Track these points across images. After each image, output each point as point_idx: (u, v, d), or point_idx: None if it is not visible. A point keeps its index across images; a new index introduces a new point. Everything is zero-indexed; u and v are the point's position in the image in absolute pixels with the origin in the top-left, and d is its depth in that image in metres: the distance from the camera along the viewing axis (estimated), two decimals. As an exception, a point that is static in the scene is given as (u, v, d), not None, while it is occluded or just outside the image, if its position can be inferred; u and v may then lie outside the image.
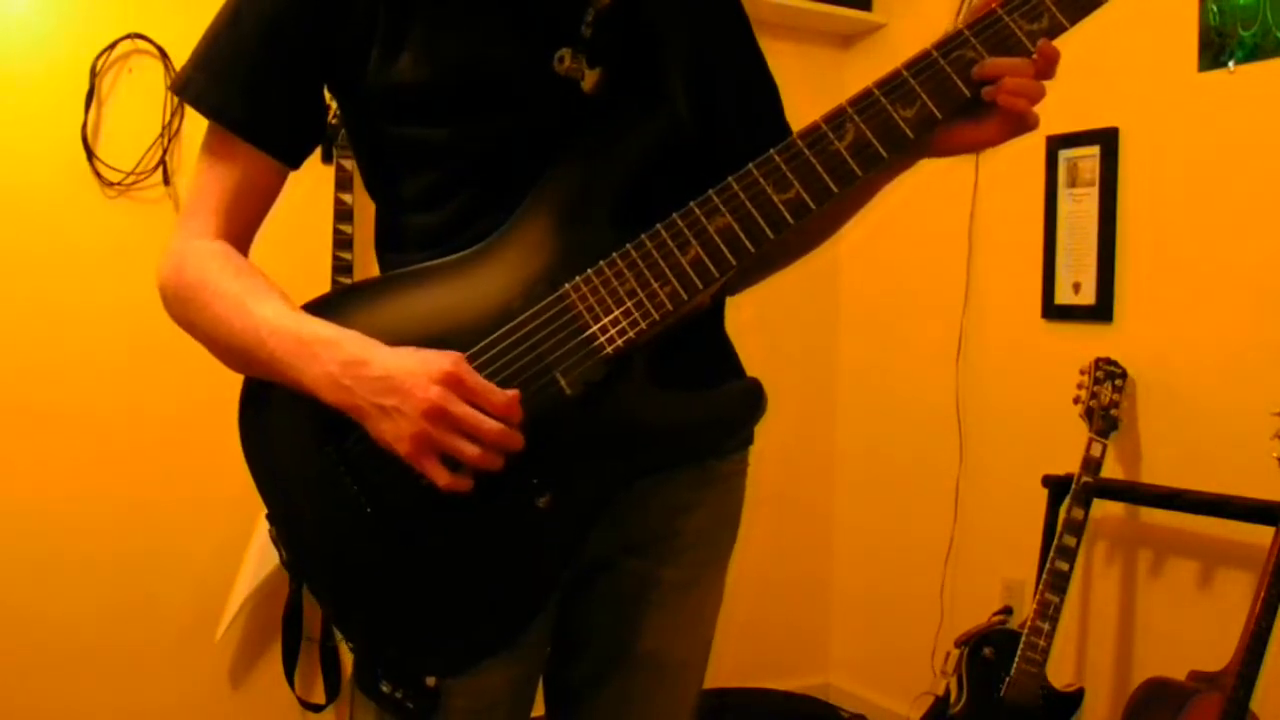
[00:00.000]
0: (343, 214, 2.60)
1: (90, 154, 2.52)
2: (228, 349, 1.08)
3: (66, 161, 2.51)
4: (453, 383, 0.98)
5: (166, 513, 2.61)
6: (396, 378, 0.99)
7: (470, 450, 0.98)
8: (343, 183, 2.61)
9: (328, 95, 1.17)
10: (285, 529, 1.12)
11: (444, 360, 0.99)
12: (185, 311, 1.10)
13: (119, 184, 2.54)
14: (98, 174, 2.53)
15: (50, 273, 2.50)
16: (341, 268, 2.60)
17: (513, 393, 1.00)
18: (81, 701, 2.55)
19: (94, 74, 2.51)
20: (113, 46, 2.52)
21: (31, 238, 2.49)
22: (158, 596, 2.62)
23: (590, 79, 1.12)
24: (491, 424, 0.98)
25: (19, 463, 2.49)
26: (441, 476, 0.99)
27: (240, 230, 1.14)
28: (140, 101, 2.51)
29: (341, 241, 2.60)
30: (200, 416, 2.48)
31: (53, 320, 2.51)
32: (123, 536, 2.58)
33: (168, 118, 2.52)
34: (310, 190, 2.64)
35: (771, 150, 1.04)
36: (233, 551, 2.53)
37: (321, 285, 2.39)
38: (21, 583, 2.50)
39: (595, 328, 1.04)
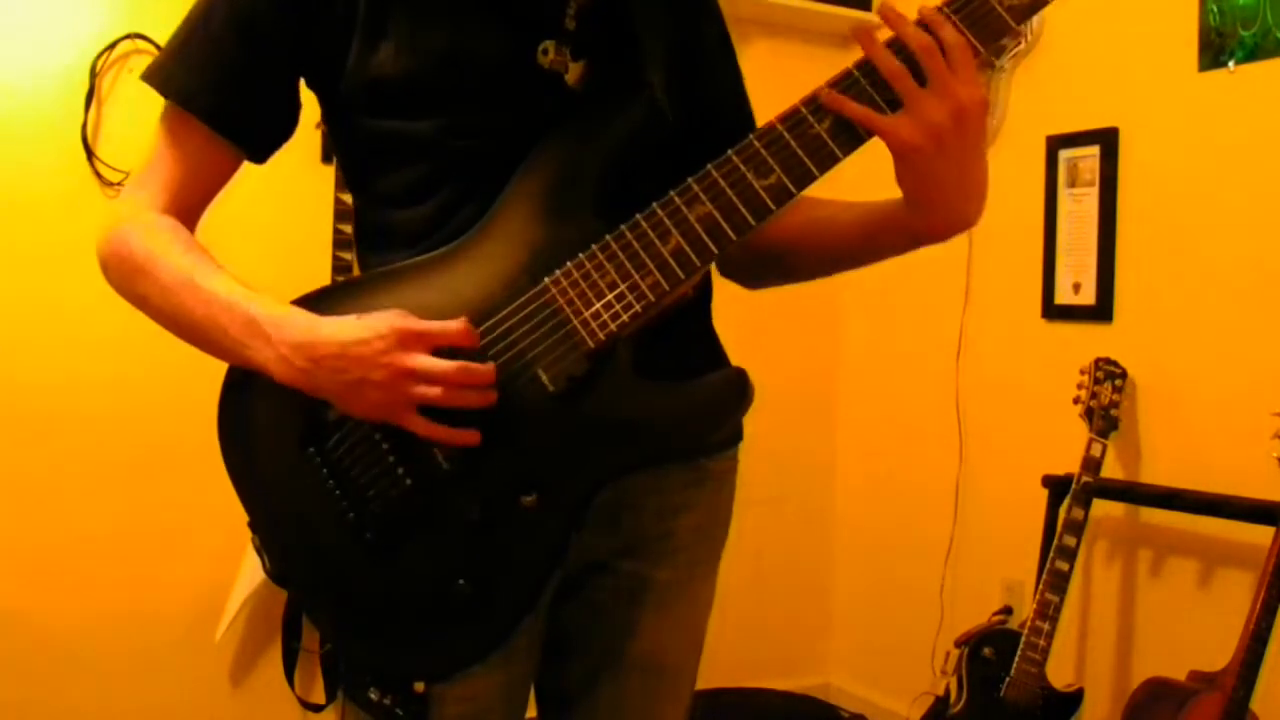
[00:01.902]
0: (343, 214, 2.61)
1: (90, 154, 2.52)
2: (179, 324, 1.07)
3: (66, 161, 2.51)
4: (406, 339, 0.98)
5: (167, 513, 2.62)
6: (350, 350, 0.98)
7: (434, 392, 0.98)
8: (343, 183, 2.61)
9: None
10: (268, 537, 1.11)
11: (389, 318, 0.99)
12: (132, 283, 1.10)
13: (119, 184, 2.54)
14: (98, 174, 2.53)
15: (50, 273, 2.50)
16: (341, 267, 2.60)
17: (461, 322, 1.00)
18: (81, 701, 2.55)
19: (94, 74, 2.51)
20: (113, 46, 2.52)
21: (32, 238, 2.49)
22: (158, 597, 2.62)
23: (574, 72, 1.12)
24: (448, 365, 0.98)
25: (19, 462, 2.49)
26: (420, 426, 0.99)
27: (188, 210, 1.13)
28: (140, 101, 2.50)
29: (341, 241, 2.60)
30: (201, 416, 2.46)
31: (53, 320, 2.52)
32: (123, 536, 2.59)
33: (167, 117, 2.52)
34: (310, 190, 2.65)
35: (751, 136, 1.03)
36: (232, 552, 2.53)
37: (321, 285, 2.39)
38: (22, 583, 2.50)
39: (576, 321, 1.03)
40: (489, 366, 1.00)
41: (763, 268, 1.28)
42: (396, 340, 0.98)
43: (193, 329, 1.06)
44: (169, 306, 1.07)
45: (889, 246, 1.14)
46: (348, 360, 0.98)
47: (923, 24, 0.99)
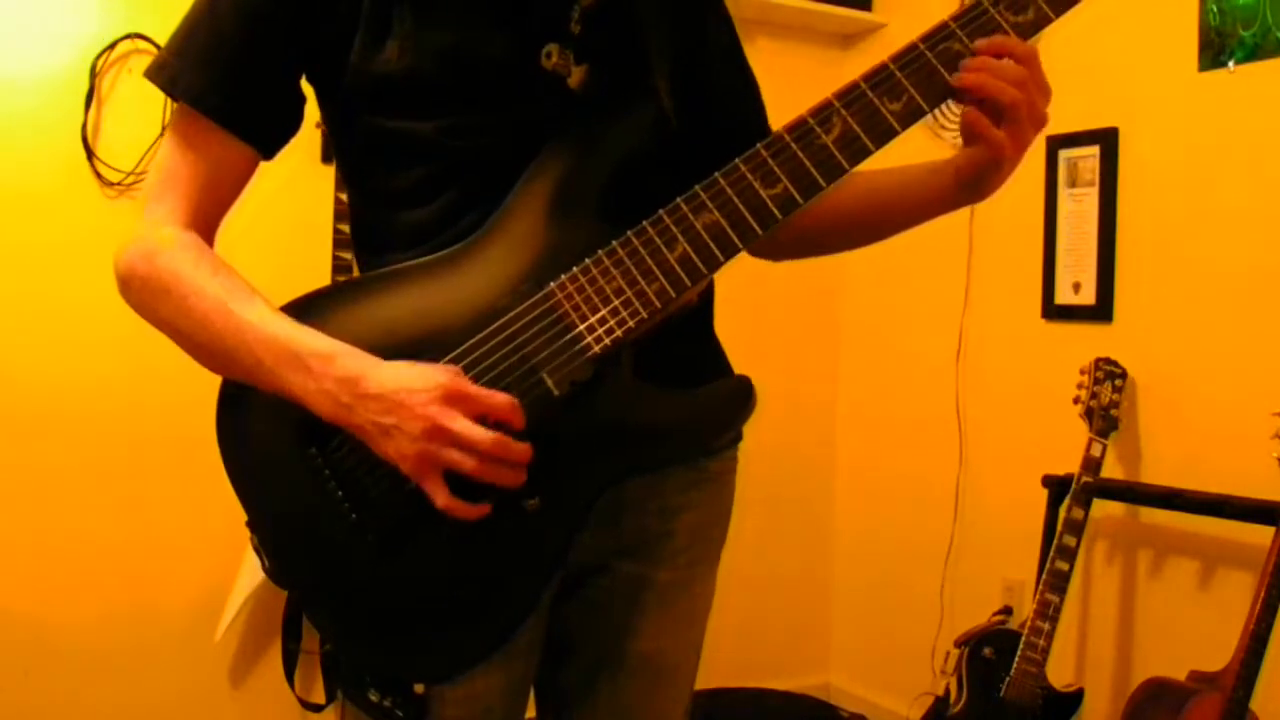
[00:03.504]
0: (343, 214, 2.60)
1: (90, 154, 2.52)
2: (205, 349, 1.06)
3: (66, 161, 2.51)
4: (451, 398, 0.97)
5: (167, 512, 2.62)
6: (395, 396, 0.97)
7: (467, 463, 0.97)
8: (343, 182, 2.60)
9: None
10: (267, 536, 1.10)
11: (440, 375, 0.98)
12: (155, 304, 1.07)
13: (119, 184, 2.54)
14: (98, 174, 2.53)
15: (50, 273, 2.50)
16: (341, 267, 2.60)
17: (510, 398, 0.99)
18: (81, 701, 2.55)
19: (94, 74, 2.51)
20: (113, 46, 2.52)
21: (32, 238, 2.49)
22: (158, 597, 2.62)
23: (577, 75, 1.12)
24: (484, 434, 0.96)
25: (19, 463, 2.49)
26: (440, 496, 0.98)
27: (208, 219, 1.12)
28: (140, 101, 2.51)
29: (341, 241, 2.60)
30: (201, 416, 2.46)
31: (53, 320, 2.51)
32: (123, 536, 2.58)
33: (168, 118, 2.52)
34: (310, 190, 2.65)
35: (759, 145, 1.03)
36: (232, 552, 2.53)
37: (321, 285, 2.39)
38: (22, 582, 2.50)
39: (582, 327, 1.03)
40: (525, 446, 0.99)
41: (796, 243, 1.30)
42: (441, 395, 0.96)
43: (222, 355, 1.05)
44: (196, 331, 1.05)
45: (925, 217, 1.21)
46: (389, 404, 0.97)
47: (993, 42, 1.02)
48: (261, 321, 1.03)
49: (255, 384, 1.05)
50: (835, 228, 1.27)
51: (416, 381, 0.97)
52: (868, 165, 1.05)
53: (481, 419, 0.97)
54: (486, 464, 0.97)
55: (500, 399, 0.99)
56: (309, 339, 1.02)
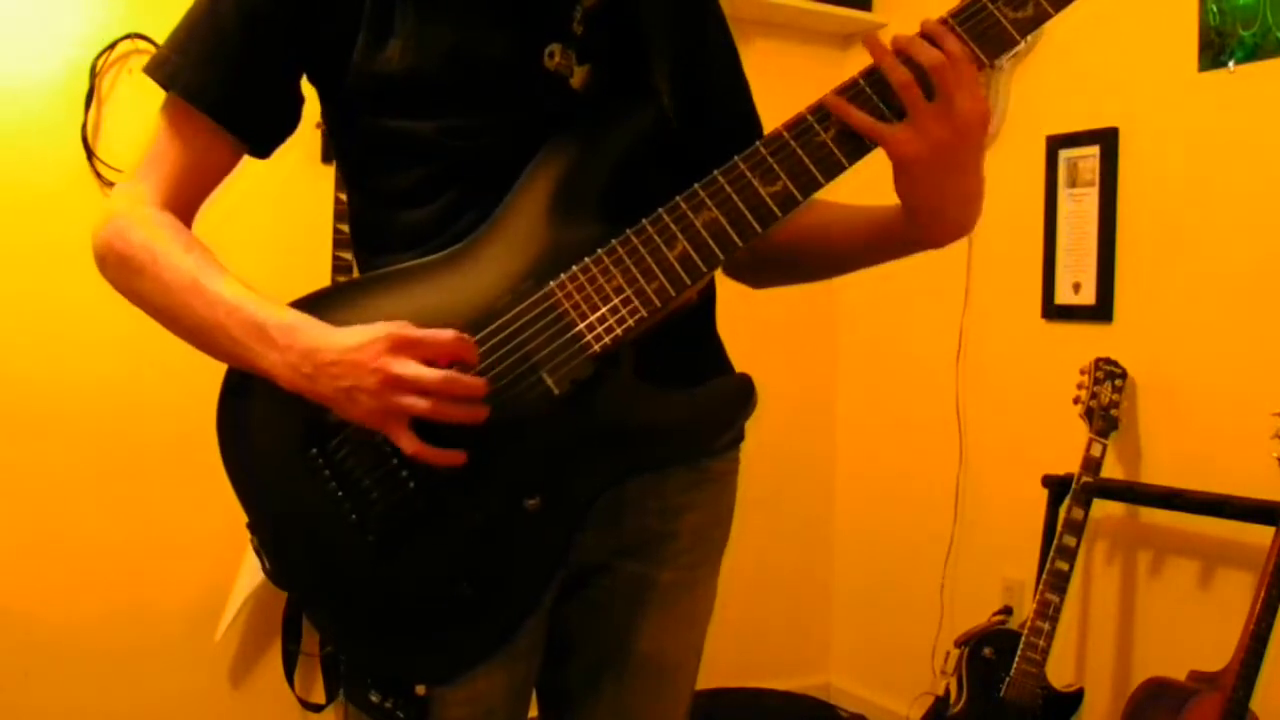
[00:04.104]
0: (343, 214, 2.60)
1: (90, 154, 2.52)
2: (179, 323, 1.06)
3: (66, 161, 2.50)
4: (398, 346, 0.97)
5: (167, 512, 2.62)
6: (346, 357, 0.98)
7: (420, 404, 0.97)
8: (343, 182, 2.60)
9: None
10: (268, 538, 1.11)
11: (384, 327, 0.98)
12: (130, 278, 1.08)
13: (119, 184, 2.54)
14: (98, 174, 2.53)
15: (51, 273, 2.50)
16: (342, 267, 2.60)
17: (455, 332, 0.99)
18: (81, 701, 2.55)
19: (94, 74, 2.51)
20: (113, 46, 2.52)
21: (32, 237, 2.49)
22: (158, 597, 2.62)
23: (579, 75, 1.12)
24: (432, 374, 0.97)
25: (19, 462, 2.49)
26: (407, 443, 0.98)
27: (186, 205, 1.13)
28: (140, 101, 2.51)
29: (341, 241, 2.60)
30: (201, 415, 2.46)
31: (53, 319, 2.51)
32: (123, 536, 2.58)
33: (167, 117, 2.52)
34: (310, 190, 2.65)
35: (757, 143, 1.03)
36: (232, 552, 2.53)
37: (321, 285, 2.39)
38: (22, 582, 2.50)
39: (582, 325, 1.03)
40: (477, 380, 0.99)
41: (768, 269, 1.29)
42: (388, 346, 0.97)
43: (193, 330, 1.06)
44: (170, 305, 1.06)
45: (888, 253, 1.16)
46: (344, 366, 0.98)
47: (927, 36, 1.00)
48: (232, 295, 1.03)
49: (230, 360, 1.06)
50: (798, 259, 1.26)
51: (364, 337, 0.98)
52: (870, 167, 1.05)
53: (432, 362, 0.98)
54: (439, 403, 0.97)
55: (445, 335, 0.99)
56: (273, 311, 1.02)
